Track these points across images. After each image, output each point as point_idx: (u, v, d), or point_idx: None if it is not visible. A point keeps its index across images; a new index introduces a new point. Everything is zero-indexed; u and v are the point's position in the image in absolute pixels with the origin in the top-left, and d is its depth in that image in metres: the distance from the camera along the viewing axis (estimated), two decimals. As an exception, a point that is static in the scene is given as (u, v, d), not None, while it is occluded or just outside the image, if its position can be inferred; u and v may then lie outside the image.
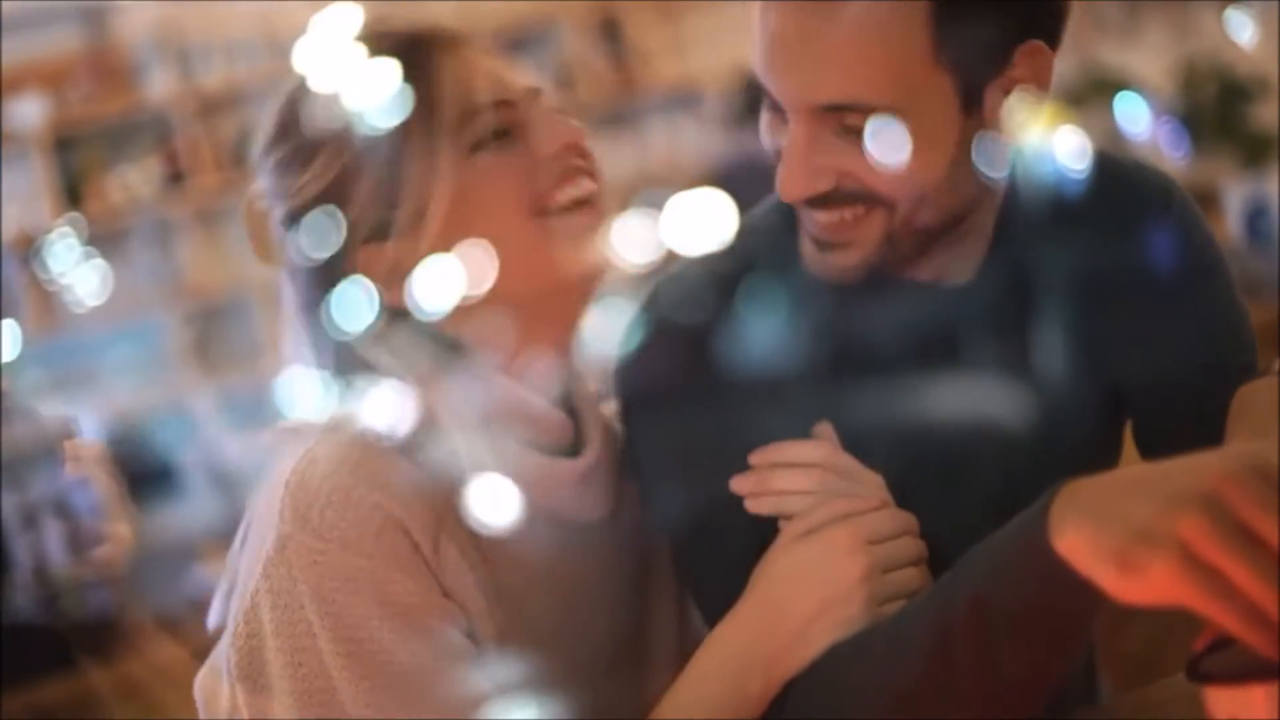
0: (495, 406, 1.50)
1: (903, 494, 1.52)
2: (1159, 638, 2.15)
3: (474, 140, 1.49)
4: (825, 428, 1.54)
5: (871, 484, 1.52)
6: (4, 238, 5.91)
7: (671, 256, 1.53)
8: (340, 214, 1.50)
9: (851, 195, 1.49)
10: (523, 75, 1.55)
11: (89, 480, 5.32)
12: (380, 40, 1.52)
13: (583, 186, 1.52)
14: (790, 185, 1.50)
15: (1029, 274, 1.56)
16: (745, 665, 1.46)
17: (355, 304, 1.50)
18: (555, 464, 1.53)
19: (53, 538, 5.41)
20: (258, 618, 1.43)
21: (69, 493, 5.45)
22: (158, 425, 6.21)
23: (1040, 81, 1.50)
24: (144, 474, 5.82)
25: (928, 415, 1.54)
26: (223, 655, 1.48)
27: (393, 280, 1.50)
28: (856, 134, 1.46)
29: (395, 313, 1.50)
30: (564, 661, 1.51)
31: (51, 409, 5.81)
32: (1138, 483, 1.18)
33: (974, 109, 1.47)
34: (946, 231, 1.53)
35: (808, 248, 1.54)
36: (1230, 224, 4.80)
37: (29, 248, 5.92)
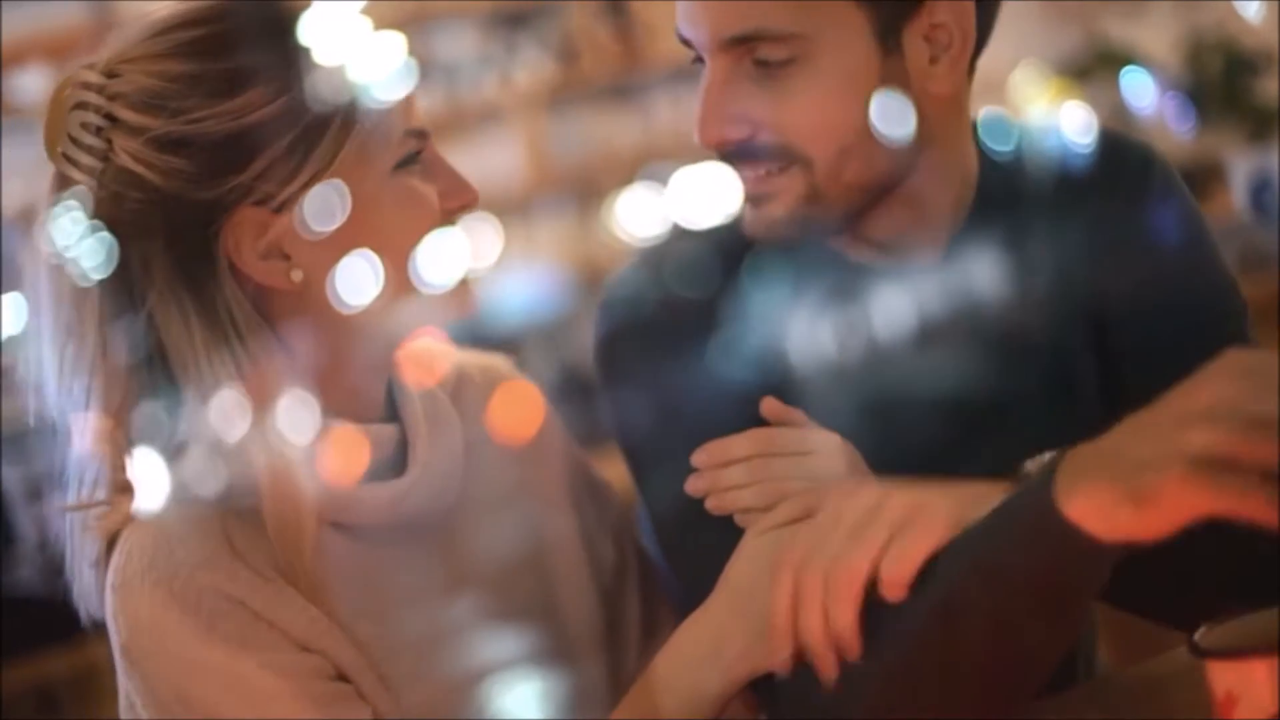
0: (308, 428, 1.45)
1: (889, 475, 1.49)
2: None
3: (387, 156, 1.47)
4: (771, 403, 1.52)
5: (826, 454, 1.50)
6: (10, 211, 5.91)
7: (677, 229, 1.53)
8: (239, 159, 1.43)
9: (768, 150, 1.47)
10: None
11: (93, 453, 5.33)
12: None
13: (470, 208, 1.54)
14: (704, 128, 1.49)
15: (1010, 249, 1.55)
16: (717, 655, 1.46)
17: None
18: (365, 491, 1.51)
19: (57, 510, 5.42)
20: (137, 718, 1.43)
21: (73, 465, 5.46)
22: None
23: (963, 32, 1.47)
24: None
25: (911, 394, 1.54)
26: None
27: (254, 254, 1.45)
28: (771, 77, 1.45)
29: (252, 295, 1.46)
30: (456, 651, 1.52)
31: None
32: (1134, 427, 1.19)
33: (893, 50, 1.46)
34: (883, 192, 1.50)
35: (745, 212, 1.53)
36: (1235, 197, 4.79)
37: (34, 221, 5.91)
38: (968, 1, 1.47)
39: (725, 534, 1.49)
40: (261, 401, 1.42)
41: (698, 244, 1.58)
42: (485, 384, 1.70)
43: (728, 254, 1.58)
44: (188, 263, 1.45)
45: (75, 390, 1.51)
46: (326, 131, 1.43)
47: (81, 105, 1.48)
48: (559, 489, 1.70)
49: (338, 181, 1.44)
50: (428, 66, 6.25)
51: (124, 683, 1.45)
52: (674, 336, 1.56)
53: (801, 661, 1.37)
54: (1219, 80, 5.36)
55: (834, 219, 1.52)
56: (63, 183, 1.48)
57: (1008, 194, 1.57)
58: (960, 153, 1.56)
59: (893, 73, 1.46)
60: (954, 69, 1.49)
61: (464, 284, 1.52)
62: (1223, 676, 1.15)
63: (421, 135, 1.50)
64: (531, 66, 6.58)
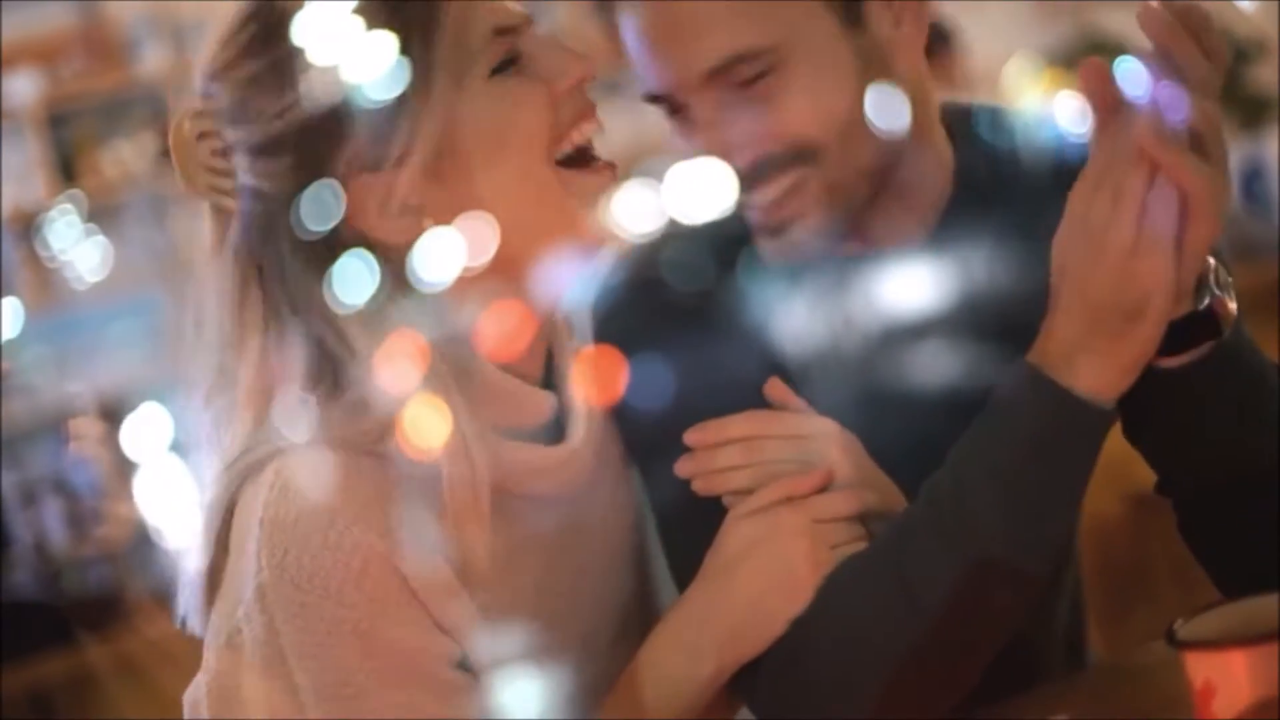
0: (481, 395, 1.41)
1: (890, 465, 1.50)
2: (1156, 619, 2.16)
3: (478, 68, 1.41)
4: (776, 384, 1.52)
5: (824, 439, 1.50)
6: (1, 215, 5.91)
7: (673, 225, 1.52)
8: (333, 136, 1.39)
9: (780, 159, 1.47)
10: (518, 4, 1.48)
11: (89, 458, 5.33)
12: None
13: (595, 122, 1.48)
14: (724, 150, 1.48)
15: (992, 236, 1.54)
16: (697, 645, 1.45)
17: (353, 270, 1.41)
18: (538, 453, 1.46)
19: (53, 515, 5.42)
20: (235, 659, 1.38)
21: (69, 470, 5.47)
22: (157, 401, 6.20)
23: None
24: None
25: (904, 384, 1.53)
26: (200, 683, 1.44)
27: (386, 218, 1.41)
28: (754, 91, 1.45)
29: (393, 280, 1.41)
30: (567, 638, 1.47)
31: (53, 387, 5.83)
32: (1062, 298, 1.35)
33: (859, 27, 1.46)
34: (884, 179, 1.51)
35: (762, 242, 1.53)
36: (1228, 186, 4.79)
37: (26, 224, 5.91)
38: None
39: (714, 530, 1.48)
40: (419, 364, 1.38)
41: (690, 239, 1.57)
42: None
43: (719, 248, 1.58)
44: (315, 257, 1.41)
45: (219, 404, 1.43)
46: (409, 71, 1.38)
47: (205, 135, 1.44)
48: (620, 463, 1.62)
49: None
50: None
51: (237, 625, 1.38)
52: (666, 329, 1.56)
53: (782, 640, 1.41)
54: (1211, 69, 5.35)
55: (848, 217, 1.52)
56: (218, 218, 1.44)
57: (987, 181, 1.56)
58: (936, 140, 1.57)
59: (864, 47, 1.47)
60: (917, 25, 1.50)
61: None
62: (1200, 667, 1.16)
63: (513, 31, 1.44)
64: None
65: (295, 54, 1.38)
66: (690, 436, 1.50)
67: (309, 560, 1.33)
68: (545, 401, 1.48)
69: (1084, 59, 1.40)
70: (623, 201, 1.48)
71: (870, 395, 1.53)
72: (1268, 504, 1.44)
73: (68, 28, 6.26)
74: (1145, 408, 1.44)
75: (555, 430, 1.50)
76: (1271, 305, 3.37)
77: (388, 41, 1.37)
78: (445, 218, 1.40)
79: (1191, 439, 1.45)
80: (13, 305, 5.49)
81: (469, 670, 1.40)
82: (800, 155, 1.47)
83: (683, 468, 1.50)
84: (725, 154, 1.48)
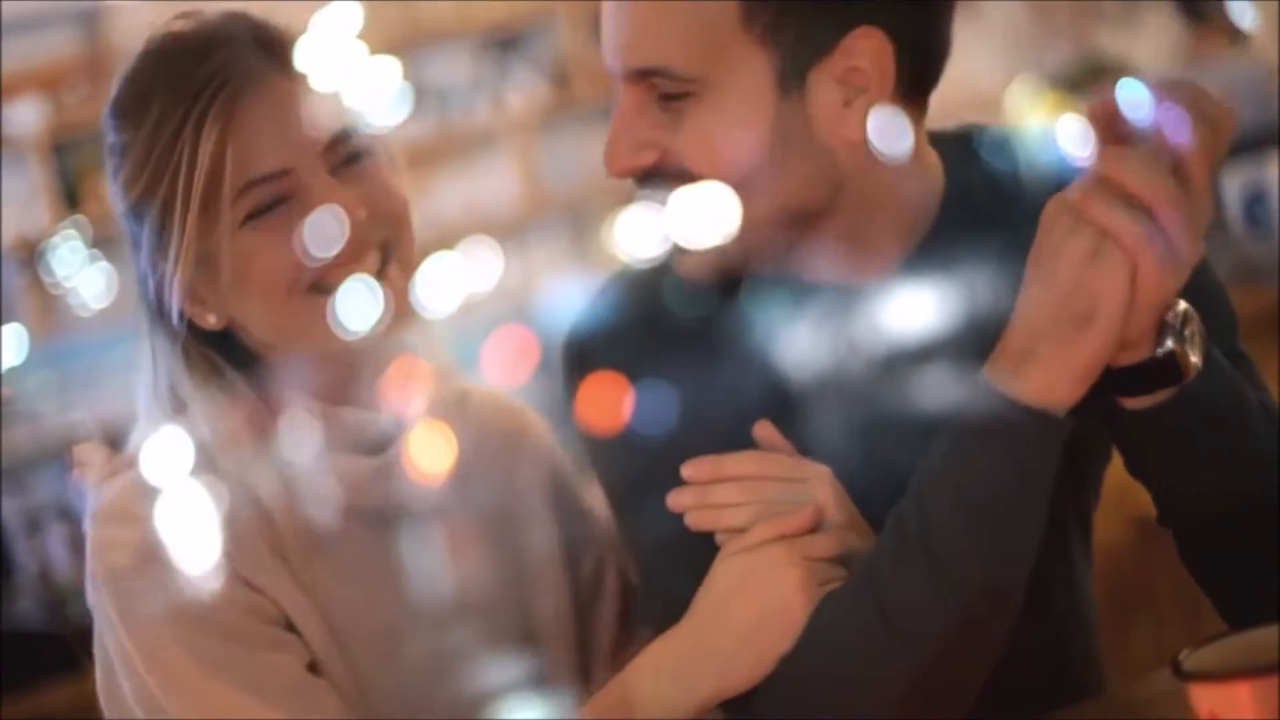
0: (297, 421, 1.55)
1: (866, 500, 1.51)
2: (1161, 642, 2.16)
3: (226, 220, 1.51)
4: (766, 428, 1.52)
5: (817, 482, 1.51)
6: (4, 242, 5.91)
7: (676, 250, 1.52)
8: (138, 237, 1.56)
9: (674, 176, 1.47)
10: (334, 122, 1.55)
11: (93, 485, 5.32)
12: (156, 84, 1.54)
13: (365, 264, 1.53)
14: (611, 155, 1.50)
15: (983, 258, 1.53)
16: (689, 675, 1.46)
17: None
18: (353, 461, 1.57)
19: (57, 542, 5.41)
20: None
21: (74, 497, 5.45)
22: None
23: (880, 74, 1.45)
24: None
25: (885, 416, 1.53)
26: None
27: (185, 304, 1.56)
28: (674, 108, 1.46)
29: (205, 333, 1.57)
30: (427, 649, 1.56)
31: (56, 413, 5.82)
32: (1020, 308, 1.38)
33: (794, 92, 1.45)
34: (805, 227, 1.50)
35: (674, 255, 1.54)
36: (1229, 210, 4.79)
37: (30, 251, 5.91)
38: (885, 44, 1.45)
39: (699, 573, 1.49)
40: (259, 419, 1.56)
41: (658, 274, 1.57)
42: (482, 403, 1.73)
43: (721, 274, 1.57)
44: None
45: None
46: (174, 195, 1.51)
47: None
48: (541, 502, 1.72)
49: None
50: (420, 91, 6.25)
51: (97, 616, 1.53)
52: (667, 356, 1.56)
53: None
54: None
55: (760, 255, 1.52)
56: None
57: (987, 205, 1.55)
58: (896, 182, 1.53)
59: (790, 115, 1.46)
60: (864, 110, 1.47)
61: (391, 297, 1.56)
62: (1206, 698, 1.16)
63: (277, 177, 1.52)
64: (524, 89, 6.59)
65: (116, 147, 1.59)
66: (687, 470, 1.50)
67: (141, 561, 1.48)
68: (363, 420, 1.59)
69: (1086, 83, 1.41)
70: (625, 226, 1.49)
71: (866, 422, 1.53)
72: (1263, 536, 1.44)
73: (71, 55, 6.27)
74: (1134, 444, 1.44)
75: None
76: (1273, 330, 3.36)
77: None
78: (223, 313, 1.57)
79: (1176, 476, 1.46)
80: (16, 332, 5.48)
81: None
82: (691, 181, 1.47)
83: (677, 501, 1.51)
84: (611, 152, 1.50)
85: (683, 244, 1.50)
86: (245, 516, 1.51)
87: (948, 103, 1.58)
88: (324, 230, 1.51)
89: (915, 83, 1.50)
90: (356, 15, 1.51)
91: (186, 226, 1.50)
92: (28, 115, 6.03)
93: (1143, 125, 1.33)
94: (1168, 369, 1.39)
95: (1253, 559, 1.45)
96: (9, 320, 5.65)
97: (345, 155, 1.56)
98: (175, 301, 1.54)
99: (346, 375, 1.59)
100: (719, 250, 1.49)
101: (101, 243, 6.05)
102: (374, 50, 1.51)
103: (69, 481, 5.69)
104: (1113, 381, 1.39)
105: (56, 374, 5.89)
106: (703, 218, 1.47)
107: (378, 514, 1.59)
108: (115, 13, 6.34)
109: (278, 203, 1.51)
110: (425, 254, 1.59)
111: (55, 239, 5.84)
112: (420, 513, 1.60)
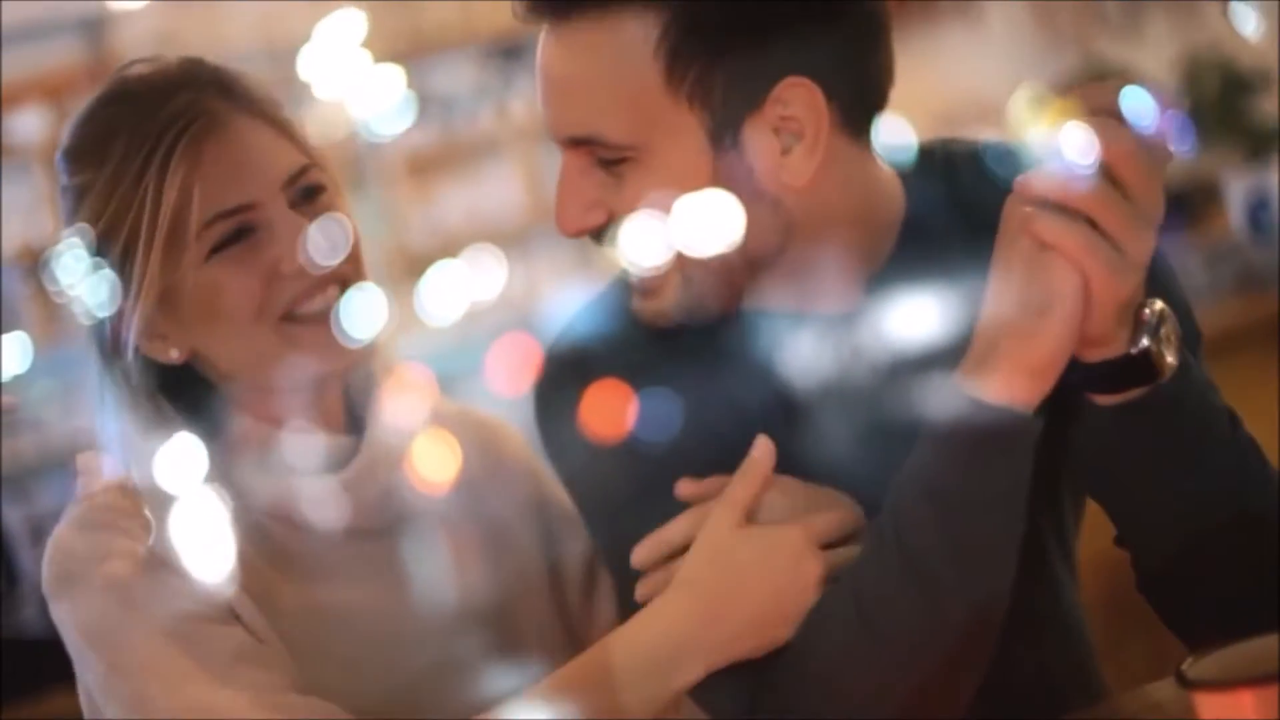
0: (254, 440, 1.59)
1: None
2: (1160, 643, 2.15)
3: (191, 254, 1.54)
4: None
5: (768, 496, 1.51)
6: (9, 251, 5.91)
7: (637, 295, 1.53)
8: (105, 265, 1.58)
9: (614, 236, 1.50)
10: (296, 150, 1.59)
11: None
12: (117, 125, 1.55)
13: (328, 297, 1.57)
14: (561, 219, 1.53)
15: (934, 286, 1.53)
16: (681, 648, 1.46)
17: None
18: (313, 480, 1.60)
19: (61, 550, 5.41)
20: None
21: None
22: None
23: (815, 119, 1.46)
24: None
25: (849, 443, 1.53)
26: None
27: (142, 338, 1.57)
28: (615, 171, 1.48)
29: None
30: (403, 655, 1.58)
31: (60, 421, 5.83)
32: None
33: (729, 147, 1.46)
34: (758, 269, 1.52)
35: (635, 300, 1.55)
36: (1232, 217, 4.79)
37: (34, 260, 5.92)
38: (814, 90, 1.45)
39: None
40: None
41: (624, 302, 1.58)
42: (459, 422, 1.74)
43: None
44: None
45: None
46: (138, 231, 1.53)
47: None
48: (523, 514, 1.73)
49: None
50: (424, 99, 6.26)
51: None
52: (670, 364, 1.56)
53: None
54: (1216, 100, 5.37)
55: (718, 300, 1.53)
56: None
57: (940, 230, 1.55)
58: (848, 217, 1.53)
59: (729, 168, 1.47)
60: (810, 157, 1.47)
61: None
62: (1210, 707, 1.15)
63: (243, 210, 1.54)
64: (528, 98, 6.59)
65: (73, 190, 1.60)
66: (635, 557, 1.51)
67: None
68: (330, 443, 1.62)
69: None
70: (629, 234, 1.49)
71: (849, 439, 1.53)
72: (1223, 564, 1.45)
73: (75, 63, 6.28)
74: (1099, 449, 1.45)
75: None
76: (1274, 337, 3.36)
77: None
78: (185, 344, 1.59)
79: (1137, 487, 1.46)
80: (20, 340, 5.49)
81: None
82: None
83: (644, 593, 1.51)
84: (561, 215, 1.52)
85: (641, 285, 1.52)
86: (217, 536, 1.52)
87: (950, 111, 1.58)
88: (290, 260, 1.54)
89: (856, 116, 1.50)
90: (361, 24, 1.52)
91: (150, 262, 1.53)
92: (32, 124, 6.04)
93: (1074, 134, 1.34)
94: (1143, 367, 1.39)
95: (1211, 586, 1.46)
96: (13, 328, 5.65)
97: (303, 189, 1.58)
98: (132, 337, 1.56)
99: (303, 399, 1.60)
100: (675, 295, 1.51)
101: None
102: (378, 59, 1.52)
103: (73, 490, 5.69)
104: (1088, 378, 1.40)
105: (60, 382, 5.90)
106: (707, 224, 1.48)
107: (346, 531, 1.60)
108: (119, 21, 6.36)
109: (241, 235, 1.55)
110: (429, 262, 1.60)
111: (59, 247, 5.85)
112: (393, 526, 1.63)
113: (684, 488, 1.52)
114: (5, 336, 5.51)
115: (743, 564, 1.46)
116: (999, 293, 1.37)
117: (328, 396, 1.63)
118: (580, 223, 1.51)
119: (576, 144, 1.49)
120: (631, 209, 1.48)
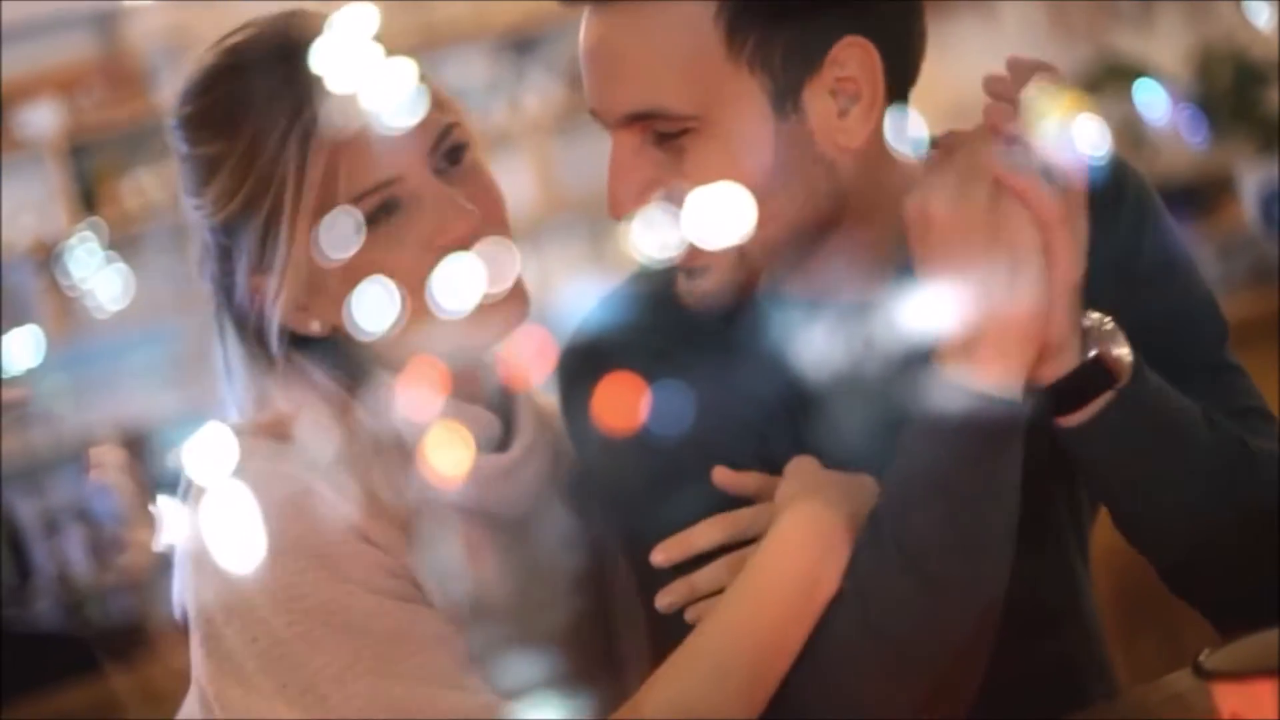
0: (413, 416, 1.53)
1: None
2: (1172, 635, 2.15)
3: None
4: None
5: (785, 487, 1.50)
6: (21, 245, 5.92)
7: (693, 251, 1.52)
8: (229, 245, 1.55)
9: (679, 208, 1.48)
10: (436, 110, 1.55)
11: (111, 486, 5.34)
12: (244, 97, 1.53)
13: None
14: (615, 203, 1.50)
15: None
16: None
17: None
18: (480, 459, 1.55)
19: (75, 544, 5.43)
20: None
21: (91, 499, 5.48)
22: (179, 430, 6.21)
23: (872, 81, 1.46)
24: (167, 479, 5.82)
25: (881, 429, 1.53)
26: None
27: (280, 310, 1.54)
28: (674, 146, 1.47)
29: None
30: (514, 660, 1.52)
31: (73, 415, 5.84)
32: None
33: (790, 111, 1.46)
34: (810, 243, 1.52)
35: (679, 281, 1.54)
36: (1245, 209, 4.78)
37: (47, 255, 5.93)
38: (871, 50, 1.46)
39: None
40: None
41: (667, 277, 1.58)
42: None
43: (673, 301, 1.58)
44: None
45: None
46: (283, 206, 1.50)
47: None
48: (576, 496, 1.68)
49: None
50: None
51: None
52: (686, 354, 1.56)
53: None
54: (1229, 92, 5.36)
55: (769, 274, 1.53)
56: None
57: None
58: (892, 194, 1.51)
59: (790, 134, 1.46)
60: (866, 119, 1.47)
61: (506, 299, 1.56)
62: (1228, 697, 1.15)
63: (387, 185, 1.51)
64: (540, 92, 6.59)
65: (203, 160, 1.55)
66: (656, 557, 1.50)
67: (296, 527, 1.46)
68: (486, 418, 1.58)
69: (1104, 83, 1.41)
70: (642, 228, 1.48)
71: (877, 430, 1.52)
72: (1234, 554, 1.46)
73: (87, 58, 6.29)
74: (1087, 466, 1.46)
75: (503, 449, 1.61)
76: (1274, 333, 3.35)
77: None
78: (329, 318, 1.55)
79: (1124, 499, 1.48)
80: (34, 334, 5.50)
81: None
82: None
83: (664, 601, 1.50)
84: (615, 198, 1.50)
85: (694, 257, 1.50)
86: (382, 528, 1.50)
87: (963, 103, 1.58)
88: (441, 235, 1.51)
89: (900, 84, 1.50)
90: (373, 17, 1.51)
91: (295, 241, 1.50)
92: (44, 118, 6.05)
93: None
94: (1100, 374, 1.40)
95: (1228, 575, 1.47)
96: (26, 322, 5.67)
97: (448, 151, 1.55)
98: (278, 312, 1.53)
99: (459, 374, 1.58)
100: (729, 273, 1.50)
101: (118, 245, 6.08)
102: (390, 52, 1.51)
103: (86, 483, 5.71)
104: (1052, 398, 1.40)
105: (73, 376, 5.92)
106: (717, 230, 1.47)
107: (491, 512, 1.58)
108: (131, 16, 6.36)
109: (388, 209, 1.51)
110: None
111: (72, 241, 5.86)
112: (531, 509, 1.61)
113: (721, 475, 1.51)
114: (19, 331, 5.53)
115: (791, 544, 1.45)
116: (958, 246, 1.36)
117: (470, 367, 1.61)
118: (636, 203, 1.49)
119: (632, 122, 1.48)
120: (693, 182, 1.46)
